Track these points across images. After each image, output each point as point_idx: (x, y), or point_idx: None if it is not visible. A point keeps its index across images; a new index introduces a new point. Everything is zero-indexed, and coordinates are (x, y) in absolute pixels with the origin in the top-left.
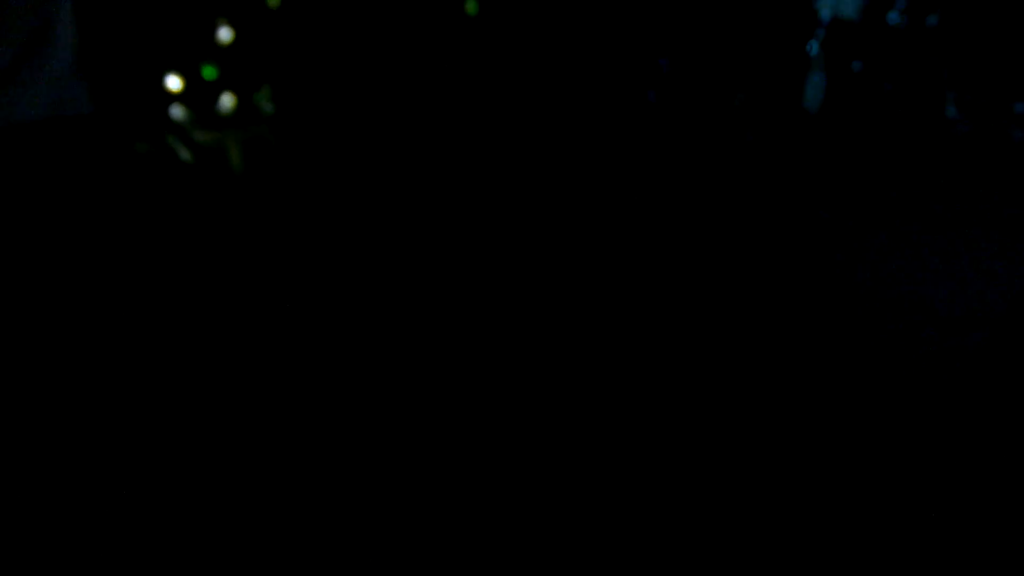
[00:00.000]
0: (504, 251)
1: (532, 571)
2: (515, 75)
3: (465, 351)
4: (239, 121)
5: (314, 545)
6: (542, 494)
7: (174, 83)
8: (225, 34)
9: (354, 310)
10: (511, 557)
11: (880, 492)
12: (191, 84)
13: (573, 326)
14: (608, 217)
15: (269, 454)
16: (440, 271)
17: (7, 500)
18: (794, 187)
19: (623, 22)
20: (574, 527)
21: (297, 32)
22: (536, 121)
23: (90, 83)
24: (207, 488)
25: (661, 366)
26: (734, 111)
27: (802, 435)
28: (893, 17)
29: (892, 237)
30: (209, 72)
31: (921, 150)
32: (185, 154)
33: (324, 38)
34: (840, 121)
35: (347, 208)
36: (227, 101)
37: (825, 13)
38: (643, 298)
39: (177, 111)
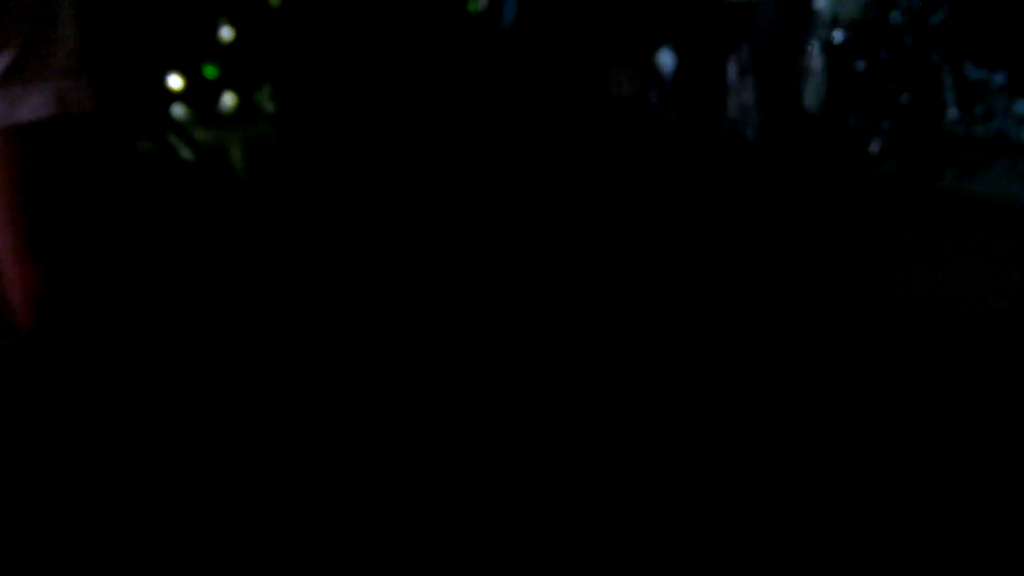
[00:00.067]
0: (504, 250)
1: (532, 571)
2: (516, 74)
3: (465, 350)
4: (240, 120)
5: (314, 545)
6: (542, 494)
7: (176, 82)
8: (226, 33)
9: (354, 308)
10: (511, 557)
11: (880, 492)
12: (192, 83)
13: (573, 326)
14: (608, 217)
15: (269, 453)
16: (440, 271)
17: (7, 500)
18: (794, 187)
19: (623, 22)
20: (574, 527)
21: (298, 31)
22: (536, 121)
23: (93, 82)
24: (207, 488)
25: (661, 366)
26: (734, 111)
27: (802, 435)
28: (895, 16)
29: (892, 237)
30: (210, 71)
31: (921, 150)
32: (186, 153)
33: (325, 37)
34: (840, 121)
35: (347, 206)
36: (228, 100)
37: (825, 13)
38: (643, 298)
39: (178, 110)
